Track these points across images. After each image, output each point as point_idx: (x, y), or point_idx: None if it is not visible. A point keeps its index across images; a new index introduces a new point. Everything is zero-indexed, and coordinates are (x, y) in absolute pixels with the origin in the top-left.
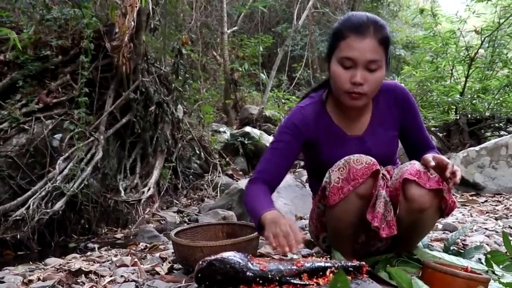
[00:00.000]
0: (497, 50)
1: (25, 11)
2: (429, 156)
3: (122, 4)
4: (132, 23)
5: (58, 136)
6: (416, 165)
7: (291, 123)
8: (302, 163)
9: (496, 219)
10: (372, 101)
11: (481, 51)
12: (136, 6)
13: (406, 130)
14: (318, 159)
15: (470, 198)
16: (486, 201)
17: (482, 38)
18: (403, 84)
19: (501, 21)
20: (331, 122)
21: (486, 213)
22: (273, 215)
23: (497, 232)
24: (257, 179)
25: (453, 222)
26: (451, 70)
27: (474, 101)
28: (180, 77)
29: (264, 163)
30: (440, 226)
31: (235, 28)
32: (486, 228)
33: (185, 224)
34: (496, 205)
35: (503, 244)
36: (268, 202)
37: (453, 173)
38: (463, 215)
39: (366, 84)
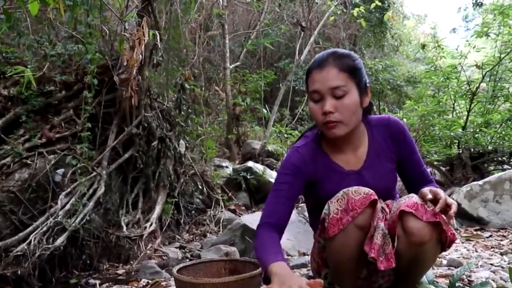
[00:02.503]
0: (499, 84)
1: (30, 47)
2: (426, 190)
3: (130, 37)
4: (140, 56)
5: (60, 171)
6: (414, 198)
7: (290, 164)
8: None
9: (502, 254)
10: (367, 134)
11: (483, 85)
12: (144, 40)
13: (403, 163)
14: (317, 196)
15: (475, 232)
16: (490, 235)
17: (483, 73)
18: (399, 118)
19: (502, 55)
20: (328, 159)
21: (491, 248)
22: (279, 269)
23: (503, 267)
24: (265, 224)
25: (458, 257)
26: (453, 104)
27: (476, 135)
28: (182, 112)
29: (269, 206)
30: (444, 262)
31: (238, 63)
32: (491, 264)
33: (187, 260)
34: (501, 240)
35: (509, 280)
36: (275, 251)
37: (448, 206)
38: (467, 250)
39: (337, 112)
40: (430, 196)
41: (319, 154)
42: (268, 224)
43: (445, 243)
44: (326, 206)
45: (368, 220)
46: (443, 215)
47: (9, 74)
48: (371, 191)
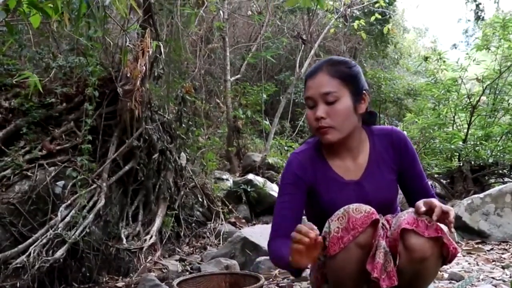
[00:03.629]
0: (499, 97)
1: (31, 59)
2: (419, 202)
3: (134, 48)
4: (144, 67)
5: (60, 183)
6: (413, 213)
7: (291, 173)
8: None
9: (503, 267)
10: (369, 143)
11: (483, 98)
12: (148, 51)
13: (404, 174)
14: (317, 205)
15: (476, 246)
16: (492, 249)
17: (484, 86)
18: (404, 131)
19: (502, 69)
20: (328, 167)
21: (493, 261)
22: None
23: (504, 281)
24: (274, 237)
25: (459, 271)
26: (453, 117)
27: (477, 148)
28: (183, 125)
29: (276, 219)
30: (446, 276)
31: (238, 76)
32: (493, 277)
33: (187, 273)
34: (503, 253)
35: None
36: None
37: (445, 213)
38: (469, 263)
39: (329, 117)
40: (423, 208)
41: (319, 160)
42: (277, 236)
43: (446, 257)
44: (326, 224)
45: (370, 239)
46: (444, 228)
47: (15, 80)
48: (372, 209)
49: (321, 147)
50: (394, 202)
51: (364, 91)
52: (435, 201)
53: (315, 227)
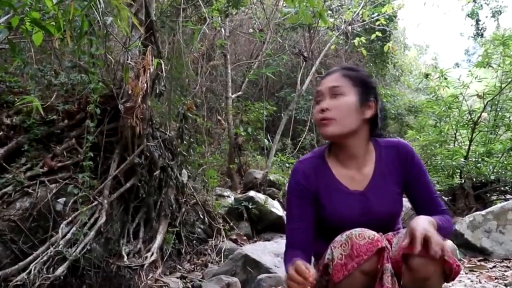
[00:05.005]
0: (500, 113)
1: (33, 77)
2: (408, 234)
3: (135, 66)
4: (145, 85)
5: (61, 200)
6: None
7: (295, 183)
8: None
9: (506, 285)
10: (375, 154)
11: (484, 114)
12: (149, 68)
13: (411, 187)
14: (320, 214)
15: (478, 263)
16: (494, 266)
17: (485, 102)
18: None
19: (503, 85)
20: (332, 176)
21: (495, 279)
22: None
23: None
24: (289, 247)
25: None
26: (455, 134)
27: (478, 165)
28: (184, 142)
29: (288, 233)
30: None
31: (240, 93)
32: None
33: None
34: (505, 271)
35: None
36: (295, 258)
37: (438, 246)
38: (471, 281)
39: (332, 109)
40: (405, 242)
41: (323, 169)
42: (291, 248)
43: (449, 275)
44: (328, 251)
45: (375, 265)
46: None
47: (17, 104)
48: (377, 235)
49: (327, 157)
50: (397, 217)
51: (372, 99)
52: (423, 228)
53: (311, 269)
